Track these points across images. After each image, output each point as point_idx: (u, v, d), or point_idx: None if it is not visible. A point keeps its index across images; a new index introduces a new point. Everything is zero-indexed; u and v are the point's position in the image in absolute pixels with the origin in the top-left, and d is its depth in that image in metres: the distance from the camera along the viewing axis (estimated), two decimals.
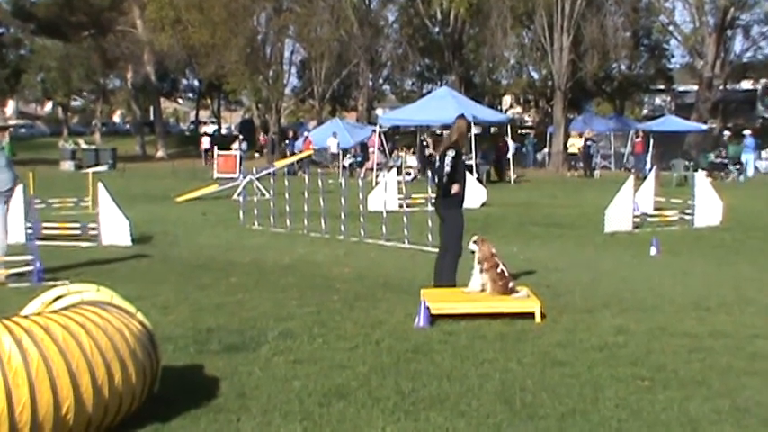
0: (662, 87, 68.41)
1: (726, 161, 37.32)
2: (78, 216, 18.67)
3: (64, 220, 16.75)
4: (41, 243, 13.38)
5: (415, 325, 8.62)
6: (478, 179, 28.18)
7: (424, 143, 37.22)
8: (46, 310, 5.82)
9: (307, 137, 44.51)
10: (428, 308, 8.75)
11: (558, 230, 17.74)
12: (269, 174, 22.29)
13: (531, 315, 8.85)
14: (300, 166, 37.72)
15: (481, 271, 9.53)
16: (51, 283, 10.23)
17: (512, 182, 34.29)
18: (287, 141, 46.95)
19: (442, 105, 34.26)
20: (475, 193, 23.16)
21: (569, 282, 11.32)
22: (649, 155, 40.74)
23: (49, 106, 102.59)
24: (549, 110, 58.73)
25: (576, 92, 51.32)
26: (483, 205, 22.76)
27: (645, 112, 70.67)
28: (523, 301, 9.12)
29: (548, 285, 10.90)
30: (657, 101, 72.27)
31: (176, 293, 10.38)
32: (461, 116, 10.63)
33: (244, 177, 25.10)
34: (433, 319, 8.72)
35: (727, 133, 47.22)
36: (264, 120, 62.71)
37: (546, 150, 49.55)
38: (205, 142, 54.40)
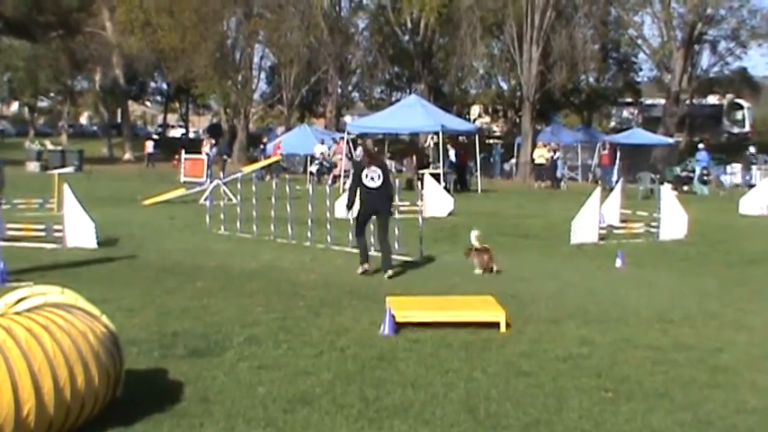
0: (630, 100, 69.00)
1: (691, 175, 37.62)
2: (43, 217, 18.51)
3: (29, 222, 16.60)
4: (5, 244, 13.30)
5: (381, 332, 8.62)
6: (446, 188, 28.22)
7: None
8: (9, 312, 5.76)
9: (277, 143, 44.32)
10: (393, 316, 8.75)
11: (525, 241, 17.82)
12: (236, 179, 22.23)
13: (496, 324, 8.88)
14: (269, 172, 37.65)
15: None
16: (15, 284, 10.12)
17: (479, 191, 34.39)
18: (262, 146, 46.65)
19: (410, 113, 34.36)
20: (442, 203, 23.24)
21: (535, 292, 11.38)
22: (616, 167, 41.05)
23: (15, 106, 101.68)
24: (518, 120, 59.05)
25: (544, 103, 51.62)
26: (450, 214, 22.80)
27: (612, 124, 71.20)
28: (488, 310, 9.15)
29: (513, 295, 10.95)
30: (625, 113, 72.86)
31: (142, 297, 10.32)
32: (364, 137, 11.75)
33: (211, 182, 24.99)
34: (399, 327, 8.74)
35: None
36: (232, 124, 62.56)
37: (513, 161, 49.78)
38: (149, 146, 54.05)
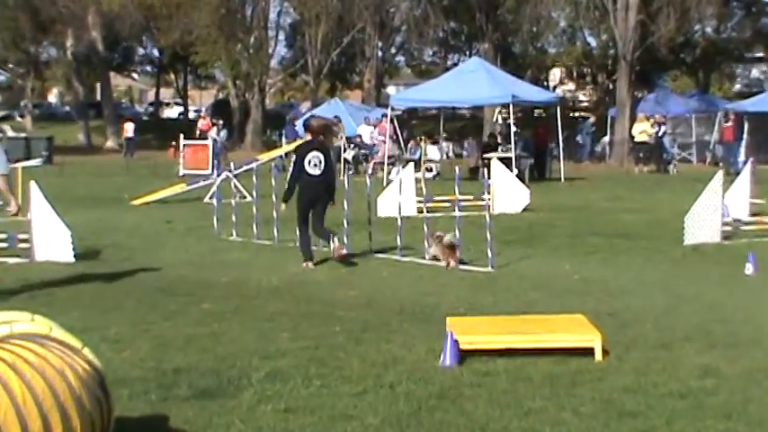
0: (760, 55, 68.14)
1: None
2: (4, 224, 18.71)
3: None
4: None
5: (441, 363, 8.61)
6: (519, 176, 28.07)
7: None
8: None
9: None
10: (456, 341, 8.73)
11: (624, 242, 17.72)
12: (251, 170, 22.34)
13: (589, 351, 8.82)
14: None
15: None
16: None
17: (562, 179, 34.25)
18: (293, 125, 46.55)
19: (472, 81, 34.32)
20: (515, 195, 23.16)
21: (639, 308, 11.30)
22: (743, 144, 40.69)
23: None
24: (611, 86, 58.71)
25: (646, 63, 51.33)
26: (526, 210, 22.72)
27: (737, 87, 70.56)
28: (579, 333, 9.10)
29: (611, 313, 10.88)
30: (754, 73, 72.13)
31: (133, 324, 10.38)
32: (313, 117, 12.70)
33: (219, 174, 25.13)
34: (463, 355, 8.71)
35: None
36: (244, 100, 62.86)
37: (606, 139, 49.55)
38: (128, 129, 54.55)
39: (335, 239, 14.52)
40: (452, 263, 14.46)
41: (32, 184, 15.59)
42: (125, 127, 55.53)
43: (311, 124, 15.63)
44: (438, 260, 14.72)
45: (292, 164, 15.33)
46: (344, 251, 14.74)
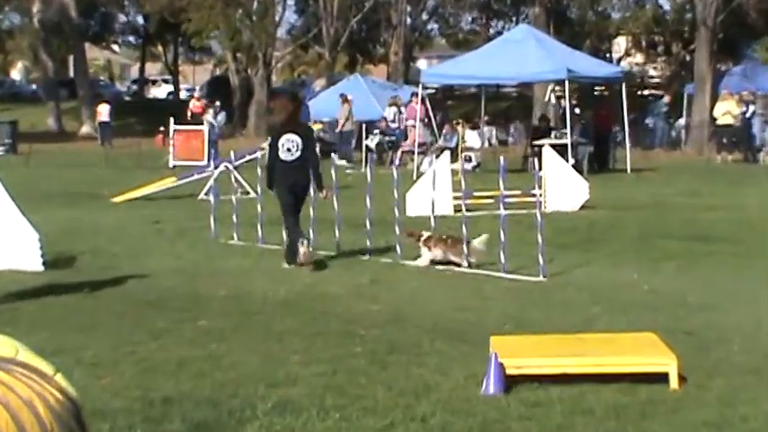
0: None
1: None
2: None
3: None
4: None
5: (483, 391, 8.63)
6: (576, 167, 27.98)
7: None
8: None
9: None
10: (502, 365, 8.74)
11: (705, 246, 17.69)
12: (254, 160, 22.40)
13: (662, 377, 8.82)
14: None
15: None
16: None
17: (628, 170, 34.16)
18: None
19: (519, 53, 34.21)
20: (571, 190, 23.10)
21: (723, 326, 11.29)
22: None
23: None
24: (688, 58, 58.55)
25: (730, 28, 51.09)
26: (584, 207, 22.67)
27: None
28: (650, 356, 9.09)
29: (689, 332, 10.88)
30: None
31: (115, 345, 10.45)
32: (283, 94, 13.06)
33: (216, 166, 25.20)
34: (510, 382, 8.72)
35: None
36: (246, 77, 62.97)
37: (682, 122, 49.38)
38: (103, 112, 54.71)
39: (304, 242, 15.08)
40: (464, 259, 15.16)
41: None
42: (99, 110, 55.65)
43: (273, 107, 16.39)
44: (442, 263, 15.34)
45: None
46: (311, 259, 15.38)
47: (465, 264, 15.08)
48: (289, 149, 15.04)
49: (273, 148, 15.39)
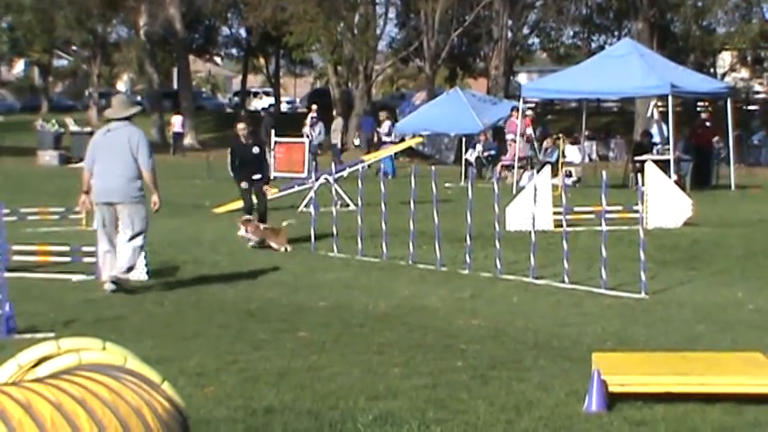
0: None
1: None
2: (67, 235, 19.03)
3: (45, 241, 17.08)
4: (11, 275, 13.63)
5: (585, 408, 8.56)
6: (679, 183, 27.73)
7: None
8: (25, 379, 5.91)
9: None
10: (605, 382, 8.67)
11: None
12: (355, 172, 22.45)
13: None
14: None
15: None
16: (29, 336, 10.43)
17: (732, 187, 33.79)
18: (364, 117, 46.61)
19: (621, 68, 33.98)
20: (674, 206, 22.90)
21: None
22: None
23: (20, 67, 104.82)
24: None
25: None
26: (687, 224, 22.45)
27: None
28: (758, 376, 8.96)
29: None
30: None
31: (217, 355, 10.51)
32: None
33: (316, 179, 25.30)
34: (613, 399, 8.65)
35: None
36: (346, 90, 63.20)
37: None
38: (176, 123, 55.14)
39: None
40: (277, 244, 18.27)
41: None
42: (172, 121, 56.36)
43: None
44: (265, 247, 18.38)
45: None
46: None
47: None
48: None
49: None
